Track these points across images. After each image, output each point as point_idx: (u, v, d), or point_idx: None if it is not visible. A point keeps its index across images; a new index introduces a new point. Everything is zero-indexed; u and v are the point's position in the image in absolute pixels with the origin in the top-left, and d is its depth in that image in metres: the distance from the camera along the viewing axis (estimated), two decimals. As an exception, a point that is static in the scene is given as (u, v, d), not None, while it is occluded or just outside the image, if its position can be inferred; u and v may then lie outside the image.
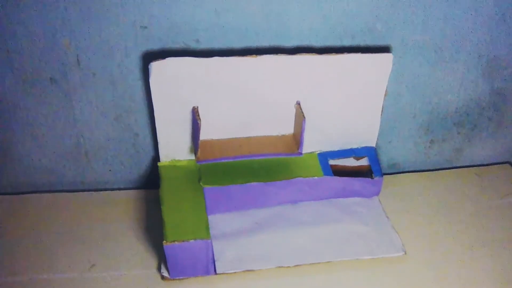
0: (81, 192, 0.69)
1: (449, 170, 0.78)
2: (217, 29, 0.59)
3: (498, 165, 0.79)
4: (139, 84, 0.62)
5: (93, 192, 0.70)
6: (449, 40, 0.66)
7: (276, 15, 0.60)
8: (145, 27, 0.58)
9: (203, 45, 0.60)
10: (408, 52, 0.66)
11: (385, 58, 0.63)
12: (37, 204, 0.67)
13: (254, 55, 0.59)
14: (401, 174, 0.76)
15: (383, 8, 0.62)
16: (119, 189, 0.71)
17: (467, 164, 0.79)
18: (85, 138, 0.66)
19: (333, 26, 0.62)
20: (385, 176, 0.71)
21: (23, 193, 0.69)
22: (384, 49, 0.65)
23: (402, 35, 0.64)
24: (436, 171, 0.77)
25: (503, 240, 0.64)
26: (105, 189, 0.71)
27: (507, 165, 0.78)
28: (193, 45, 0.60)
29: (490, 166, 0.78)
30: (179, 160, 0.66)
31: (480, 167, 0.78)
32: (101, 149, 0.67)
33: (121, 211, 0.66)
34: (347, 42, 0.63)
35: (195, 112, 0.61)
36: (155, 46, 0.59)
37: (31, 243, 0.61)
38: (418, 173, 0.77)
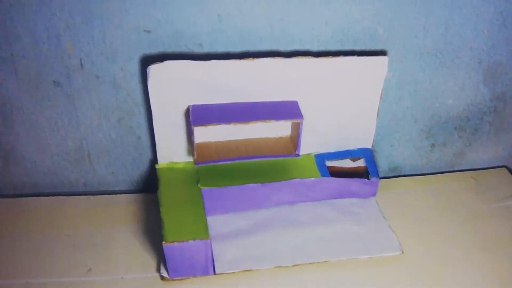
0: (78, 196, 0.70)
1: (446, 174, 0.78)
2: (220, 33, 0.60)
3: (495, 169, 0.79)
4: (141, 87, 0.62)
5: (90, 196, 0.70)
6: (450, 45, 0.66)
7: (279, 21, 0.60)
8: (149, 32, 0.58)
9: (206, 49, 0.61)
10: (409, 57, 0.66)
11: (380, 61, 0.63)
12: (35, 208, 0.67)
13: (252, 58, 0.59)
14: (399, 178, 0.77)
15: (385, 13, 0.62)
16: (121, 191, 0.72)
17: (468, 167, 0.79)
18: (88, 140, 0.67)
19: (335, 31, 0.62)
20: (382, 180, 0.72)
21: (25, 195, 0.70)
22: (381, 54, 0.65)
23: (404, 41, 0.64)
24: (433, 175, 0.78)
25: (498, 243, 0.64)
26: (107, 191, 0.71)
27: (504, 169, 0.79)
28: (196, 49, 0.60)
29: (487, 170, 0.79)
30: (177, 163, 0.67)
31: (477, 171, 0.78)
32: (103, 152, 0.68)
33: (119, 215, 0.67)
34: (348, 47, 0.64)
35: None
36: (158, 50, 0.60)
37: (27, 246, 0.61)
38: (416, 176, 0.77)
